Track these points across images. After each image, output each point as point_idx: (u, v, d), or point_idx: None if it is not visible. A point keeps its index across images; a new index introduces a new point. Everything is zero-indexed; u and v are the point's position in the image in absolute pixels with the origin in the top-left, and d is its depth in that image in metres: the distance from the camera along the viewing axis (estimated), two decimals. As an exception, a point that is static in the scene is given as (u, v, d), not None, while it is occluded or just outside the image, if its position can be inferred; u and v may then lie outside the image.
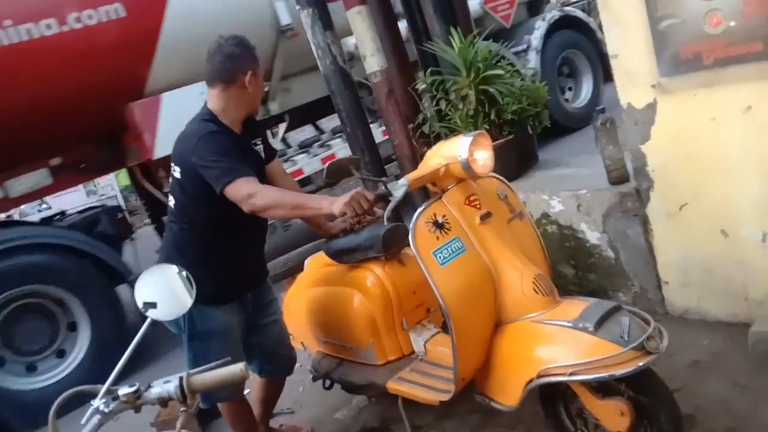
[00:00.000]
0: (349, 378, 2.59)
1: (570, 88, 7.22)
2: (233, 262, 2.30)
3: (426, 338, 2.48)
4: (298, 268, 2.94)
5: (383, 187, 2.03)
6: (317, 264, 2.85)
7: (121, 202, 12.52)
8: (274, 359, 2.58)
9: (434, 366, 2.37)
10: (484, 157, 2.04)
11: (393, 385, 2.34)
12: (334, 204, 2.02)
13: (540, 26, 6.67)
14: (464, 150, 2.00)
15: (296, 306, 2.85)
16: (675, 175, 2.53)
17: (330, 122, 7.07)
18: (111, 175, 12.87)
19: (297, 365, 2.71)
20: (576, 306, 1.90)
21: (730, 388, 2.27)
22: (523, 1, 7.22)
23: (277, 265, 2.91)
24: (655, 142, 2.53)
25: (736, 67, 2.19)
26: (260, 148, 2.39)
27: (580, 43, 7.09)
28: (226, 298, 2.31)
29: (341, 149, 5.78)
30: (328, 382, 2.78)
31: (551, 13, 6.94)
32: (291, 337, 2.76)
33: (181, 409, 1.19)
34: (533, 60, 6.45)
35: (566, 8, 7.24)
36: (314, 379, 2.80)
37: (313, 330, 2.78)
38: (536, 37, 6.58)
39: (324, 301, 2.70)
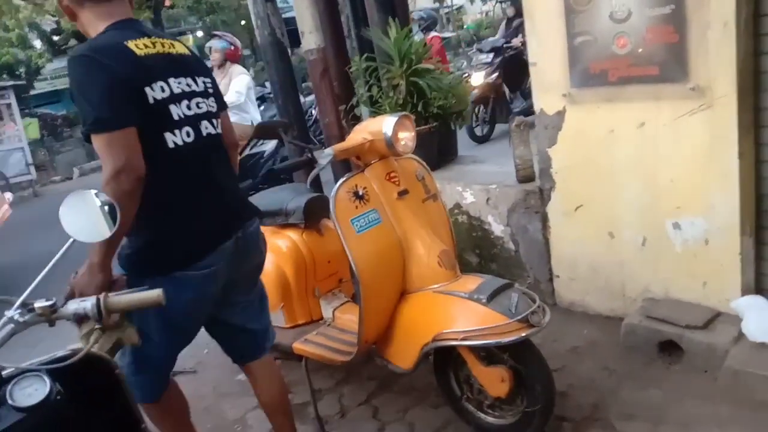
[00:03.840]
0: (256, 339, 2.67)
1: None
2: None
3: (335, 306, 2.61)
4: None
5: (309, 154, 2.13)
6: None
7: (29, 155, 11.86)
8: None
9: (340, 331, 2.50)
10: (406, 137, 2.20)
11: (299, 346, 2.45)
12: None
13: None
14: (389, 128, 2.14)
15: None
16: (574, 179, 2.80)
17: None
18: (20, 126, 12.14)
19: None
20: (473, 281, 2.09)
21: (600, 370, 2.55)
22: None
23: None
24: (560, 147, 2.79)
25: (635, 87, 2.47)
26: None
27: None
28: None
29: None
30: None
31: None
32: None
33: (96, 326, 1.24)
34: None
35: None
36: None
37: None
38: None
39: (239, 263, 2.77)
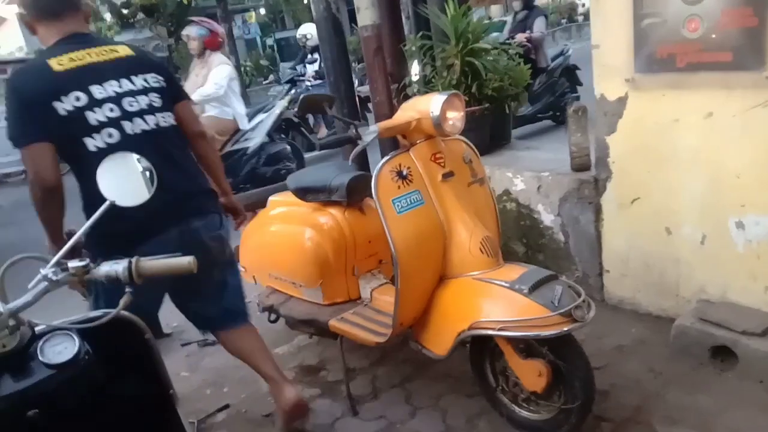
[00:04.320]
0: (293, 313, 2.67)
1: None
2: None
3: (374, 286, 2.58)
4: (260, 204, 2.99)
5: (354, 130, 2.09)
6: (280, 202, 2.90)
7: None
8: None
9: (377, 312, 2.47)
10: (455, 117, 2.12)
11: (334, 324, 2.43)
12: None
13: None
14: (437, 107, 2.07)
15: (253, 240, 2.91)
16: (632, 170, 2.65)
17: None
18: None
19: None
20: (516, 270, 2.01)
21: (646, 372, 2.43)
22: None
23: (240, 200, 2.95)
24: (619, 135, 2.65)
25: (704, 74, 2.30)
26: None
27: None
28: None
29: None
30: (273, 316, 2.86)
31: None
32: (243, 270, 2.81)
33: (127, 289, 1.25)
34: None
35: None
36: (262, 310, 2.87)
37: (266, 265, 2.84)
38: None
39: (281, 237, 2.77)
